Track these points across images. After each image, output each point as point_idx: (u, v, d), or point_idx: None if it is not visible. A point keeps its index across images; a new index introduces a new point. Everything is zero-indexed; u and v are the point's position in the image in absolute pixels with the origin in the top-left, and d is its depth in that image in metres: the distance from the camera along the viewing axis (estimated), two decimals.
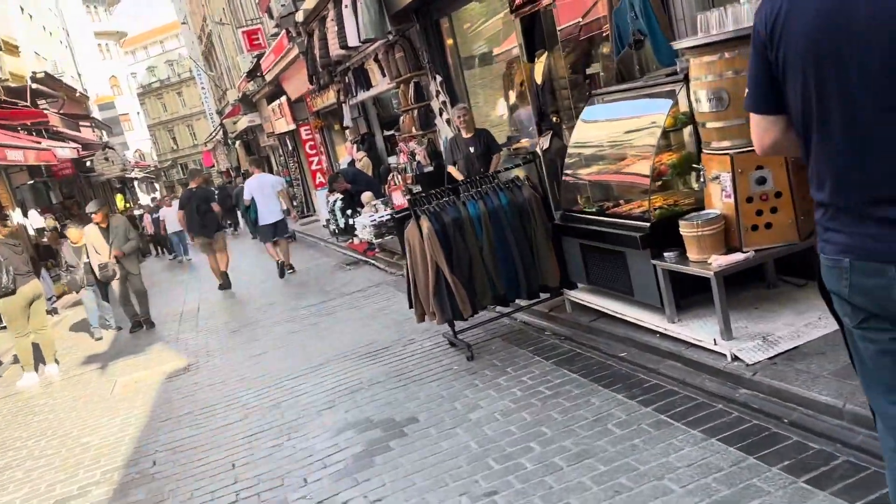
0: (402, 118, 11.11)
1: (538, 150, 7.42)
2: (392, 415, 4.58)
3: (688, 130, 4.65)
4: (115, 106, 47.38)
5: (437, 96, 9.49)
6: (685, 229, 4.13)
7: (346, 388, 5.30)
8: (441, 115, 9.49)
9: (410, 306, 5.51)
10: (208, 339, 8.44)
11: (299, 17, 13.01)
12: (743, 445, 3.19)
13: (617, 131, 5.03)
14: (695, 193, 4.63)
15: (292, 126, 18.73)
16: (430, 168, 9.67)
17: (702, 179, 4.24)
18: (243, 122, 26.49)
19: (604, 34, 6.65)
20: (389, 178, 11.48)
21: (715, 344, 4.00)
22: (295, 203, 21.50)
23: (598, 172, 5.25)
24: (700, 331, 4.20)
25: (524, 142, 8.57)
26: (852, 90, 1.67)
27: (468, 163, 7.71)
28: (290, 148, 21.38)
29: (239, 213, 20.47)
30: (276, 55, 16.50)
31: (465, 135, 7.79)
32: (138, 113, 58.52)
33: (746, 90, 1.97)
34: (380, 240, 10.25)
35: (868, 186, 1.69)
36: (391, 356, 5.81)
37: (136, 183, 41.62)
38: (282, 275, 11.57)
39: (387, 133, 13.55)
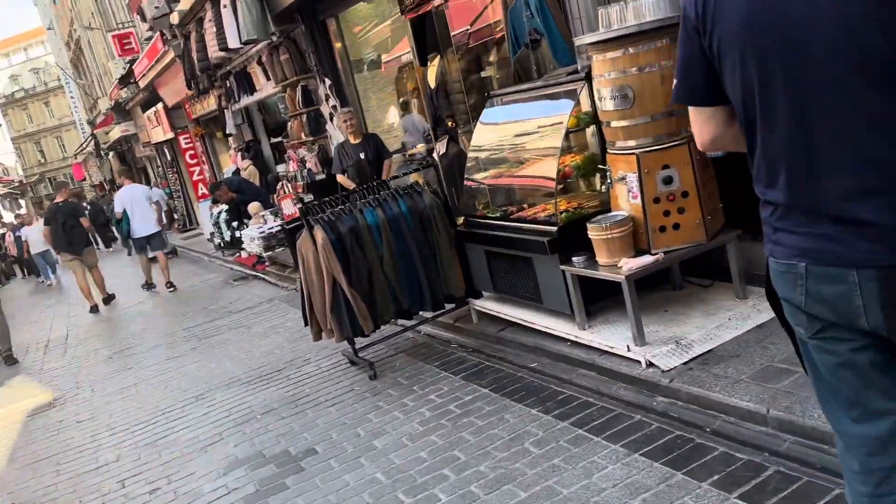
0: (289, 124, 10.59)
1: (435, 155, 7.15)
2: (287, 447, 4.14)
3: (591, 130, 4.51)
4: None
5: (326, 100, 9.06)
6: (594, 232, 3.95)
7: (235, 419, 4.81)
8: (332, 119, 9.06)
9: (306, 324, 5.09)
10: (77, 369, 7.63)
11: (174, 18, 12.19)
12: (668, 460, 3.01)
13: (518, 133, 4.82)
14: (599, 195, 4.49)
15: (170, 135, 17.69)
16: (322, 176, 9.21)
17: (608, 180, 4.08)
18: (116, 131, 24.86)
19: (496, 38, 6.50)
20: (278, 187, 10.93)
21: (628, 350, 3.84)
22: (176, 216, 20.43)
23: (500, 176, 5.03)
24: (612, 337, 4.04)
25: (419, 147, 8.30)
26: (798, 75, 1.46)
27: (359, 170, 7.29)
28: (169, 158, 20.22)
29: (115, 229, 19.15)
30: (149, 60, 15.51)
31: (352, 140, 7.37)
32: (0, 125, 54.14)
33: (675, 80, 1.74)
34: (269, 252, 9.71)
35: (822, 180, 1.49)
36: (285, 379, 5.34)
37: None
38: (147, 288, 11.24)
39: (274, 140, 12.97)
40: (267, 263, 9.99)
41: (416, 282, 4.93)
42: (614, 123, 3.95)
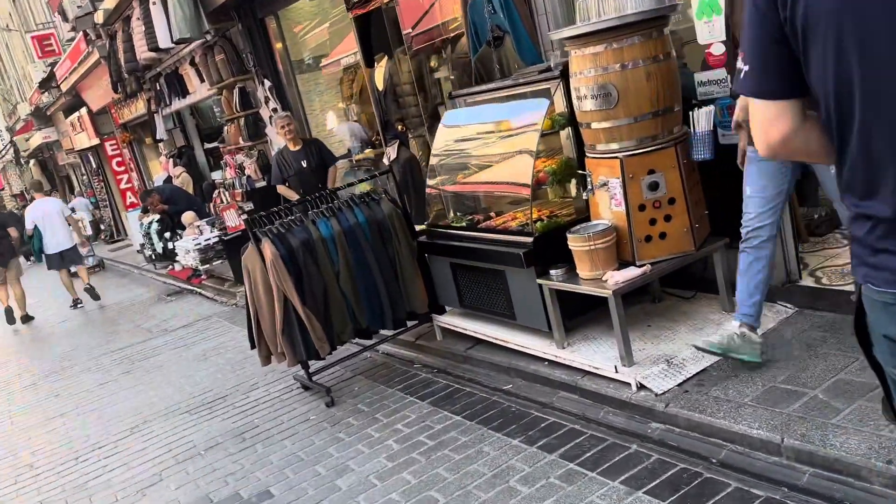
0: (226, 128, 10.01)
1: (386, 160, 6.75)
2: (237, 489, 3.68)
3: (565, 133, 4.19)
4: None
5: (266, 103, 8.54)
6: (575, 243, 3.64)
7: (176, 456, 4.30)
8: (272, 123, 8.55)
9: (253, 346, 4.61)
10: None
11: (99, 17, 11.43)
12: (677, 499, 2.70)
13: (487, 136, 4.47)
14: (574, 202, 4.19)
15: (95, 141, 16.72)
16: (263, 183, 8.68)
17: (588, 187, 3.77)
18: (37, 138, 23.54)
19: (451, 36, 6.16)
20: (215, 196, 10.32)
21: (616, 371, 3.53)
22: (102, 227, 19.40)
23: (467, 182, 4.66)
24: (595, 356, 3.73)
25: (368, 152, 7.89)
26: None
27: (302, 179, 6.75)
28: (95, 166, 19.18)
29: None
30: (72, 62, 14.59)
31: (292, 147, 6.80)
32: None
33: (744, 67, 1.40)
34: (206, 265, 9.11)
35: None
36: (231, 408, 4.85)
37: None
38: (75, 305, 10.56)
39: (208, 146, 12.32)
40: (203, 277, 9.38)
41: (375, 298, 4.53)
42: (595, 125, 3.65)
